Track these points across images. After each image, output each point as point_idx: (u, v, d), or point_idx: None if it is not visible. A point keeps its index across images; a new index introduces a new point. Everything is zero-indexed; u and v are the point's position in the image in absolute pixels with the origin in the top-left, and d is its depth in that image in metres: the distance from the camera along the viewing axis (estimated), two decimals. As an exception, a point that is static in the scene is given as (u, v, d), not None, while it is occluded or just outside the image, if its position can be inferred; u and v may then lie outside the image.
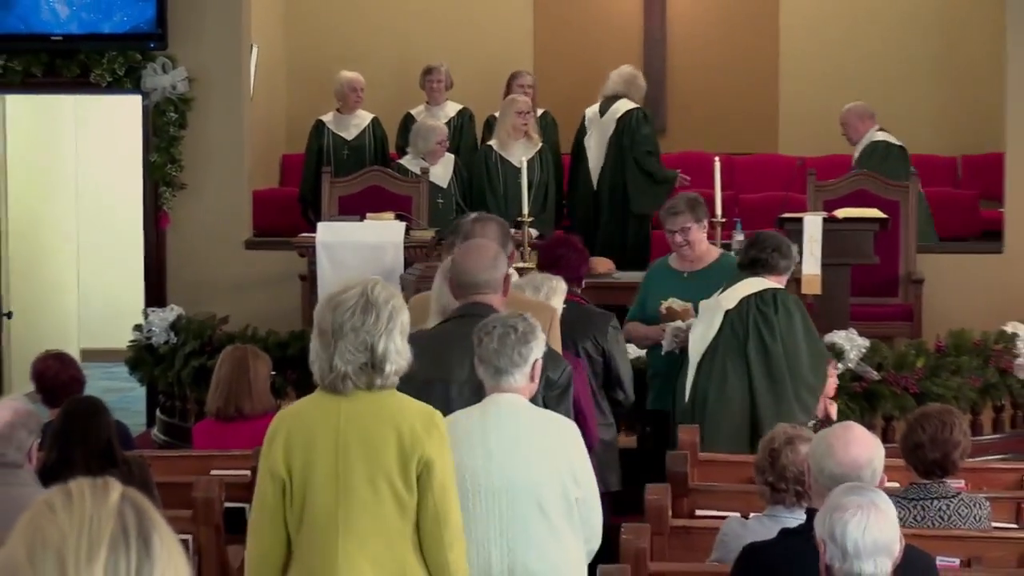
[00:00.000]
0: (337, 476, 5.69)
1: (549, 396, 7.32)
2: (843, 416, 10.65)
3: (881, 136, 14.46)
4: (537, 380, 6.76)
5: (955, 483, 7.82)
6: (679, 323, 10.12)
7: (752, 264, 9.85)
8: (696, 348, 9.76)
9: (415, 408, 5.83)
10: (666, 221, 10.50)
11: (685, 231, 10.37)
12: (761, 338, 9.67)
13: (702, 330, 9.78)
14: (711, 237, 11.56)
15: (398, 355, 5.74)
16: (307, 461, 5.71)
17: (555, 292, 9.12)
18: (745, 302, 9.71)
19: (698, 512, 8.35)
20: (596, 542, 6.85)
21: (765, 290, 9.76)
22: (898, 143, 14.43)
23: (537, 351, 6.66)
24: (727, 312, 9.70)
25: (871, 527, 5.47)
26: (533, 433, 6.52)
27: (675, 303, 10.17)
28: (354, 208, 13.75)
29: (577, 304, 9.64)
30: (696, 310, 10.08)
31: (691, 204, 10.55)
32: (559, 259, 9.89)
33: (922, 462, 7.58)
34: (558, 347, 8.17)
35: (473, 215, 9.54)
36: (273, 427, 5.92)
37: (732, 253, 11.36)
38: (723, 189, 13.44)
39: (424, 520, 5.69)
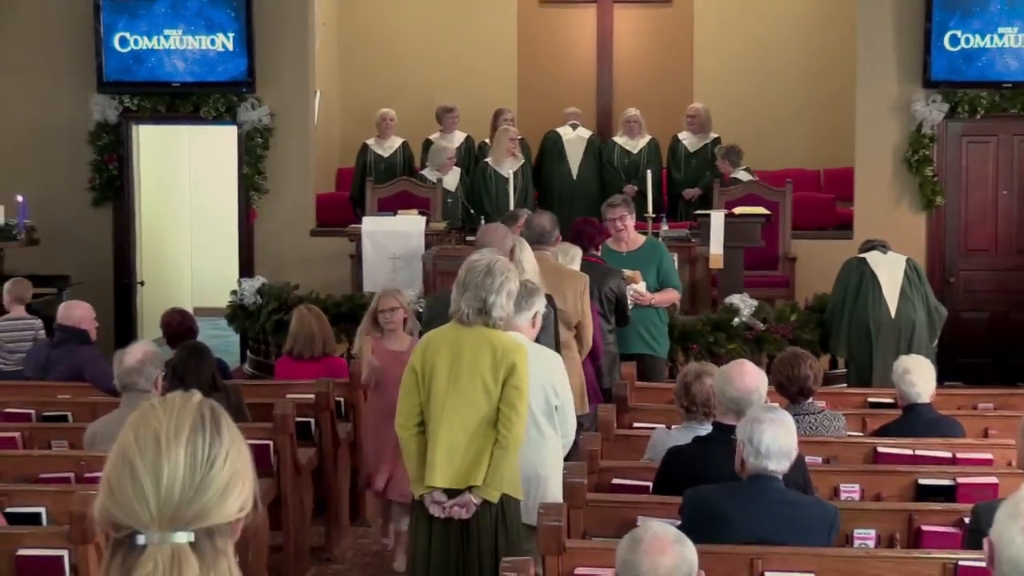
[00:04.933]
0: (450, 373, 6.29)
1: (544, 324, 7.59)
2: (737, 355, 10.68)
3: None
4: (538, 327, 7.03)
5: (819, 403, 7.83)
6: (634, 286, 10.16)
7: (883, 245, 11.38)
8: (889, 287, 11.19)
9: (508, 336, 6.43)
10: (607, 212, 10.54)
11: (622, 219, 10.44)
12: (923, 285, 11.31)
13: (889, 275, 11.22)
14: (644, 226, 11.59)
15: (501, 308, 6.34)
16: (433, 363, 6.32)
17: (576, 257, 9.34)
18: (908, 261, 11.35)
19: (635, 424, 8.33)
20: (571, 439, 7.08)
21: (909, 257, 11.49)
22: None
23: (539, 305, 6.99)
24: (905, 265, 11.29)
25: (778, 436, 5.48)
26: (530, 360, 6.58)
27: (628, 272, 10.19)
28: (389, 207, 13.75)
29: (597, 263, 9.74)
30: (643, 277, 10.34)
31: (626, 201, 10.79)
32: (581, 232, 9.98)
33: (786, 394, 7.60)
34: (587, 303, 8.69)
35: (528, 212, 10.35)
36: (419, 343, 6.62)
37: (657, 239, 11.39)
38: (657, 191, 13.47)
39: (501, 403, 6.26)
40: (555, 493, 6.82)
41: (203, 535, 2.40)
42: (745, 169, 14.20)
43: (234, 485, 2.43)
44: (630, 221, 10.55)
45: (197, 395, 2.52)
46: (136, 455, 2.40)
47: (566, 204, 14.65)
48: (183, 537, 2.37)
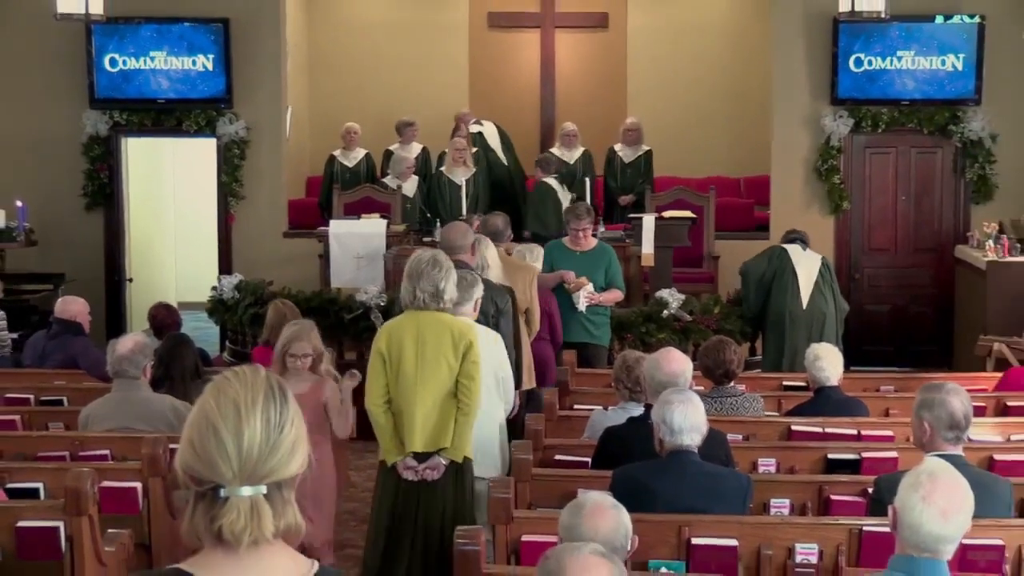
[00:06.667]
0: (417, 354, 6.56)
1: (500, 317, 7.79)
2: (667, 344, 10.69)
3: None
4: (477, 311, 7.22)
5: (740, 386, 7.86)
6: (587, 287, 10.16)
7: (803, 241, 11.35)
8: (805, 282, 11.16)
9: (460, 320, 6.78)
10: (572, 222, 10.46)
11: (585, 230, 10.40)
12: (833, 281, 11.31)
13: (806, 271, 11.21)
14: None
15: (452, 292, 6.67)
16: (400, 347, 6.58)
17: (540, 256, 9.44)
18: (823, 259, 11.36)
19: (575, 406, 8.35)
20: (511, 406, 7.39)
21: (824, 256, 11.59)
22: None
23: (478, 293, 7.20)
24: (820, 263, 11.27)
25: (688, 414, 5.52)
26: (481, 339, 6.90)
27: (576, 279, 10.19)
28: (353, 211, 13.69)
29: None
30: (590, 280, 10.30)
31: (589, 212, 10.67)
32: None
33: (712, 376, 7.62)
34: (535, 291, 8.90)
35: (483, 215, 10.51)
36: (380, 331, 6.78)
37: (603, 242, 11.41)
38: (593, 198, 13.46)
39: (461, 375, 6.57)
40: (501, 447, 7.17)
41: (274, 488, 2.57)
42: (555, 175, 14.12)
43: (298, 446, 2.61)
44: (591, 230, 10.59)
45: (263, 369, 2.66)
46: (219, 420, 2.54)
47: (509, 188, 14.67)
48: (259, 490, 2.54)
